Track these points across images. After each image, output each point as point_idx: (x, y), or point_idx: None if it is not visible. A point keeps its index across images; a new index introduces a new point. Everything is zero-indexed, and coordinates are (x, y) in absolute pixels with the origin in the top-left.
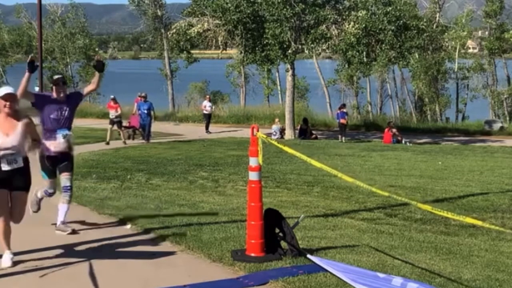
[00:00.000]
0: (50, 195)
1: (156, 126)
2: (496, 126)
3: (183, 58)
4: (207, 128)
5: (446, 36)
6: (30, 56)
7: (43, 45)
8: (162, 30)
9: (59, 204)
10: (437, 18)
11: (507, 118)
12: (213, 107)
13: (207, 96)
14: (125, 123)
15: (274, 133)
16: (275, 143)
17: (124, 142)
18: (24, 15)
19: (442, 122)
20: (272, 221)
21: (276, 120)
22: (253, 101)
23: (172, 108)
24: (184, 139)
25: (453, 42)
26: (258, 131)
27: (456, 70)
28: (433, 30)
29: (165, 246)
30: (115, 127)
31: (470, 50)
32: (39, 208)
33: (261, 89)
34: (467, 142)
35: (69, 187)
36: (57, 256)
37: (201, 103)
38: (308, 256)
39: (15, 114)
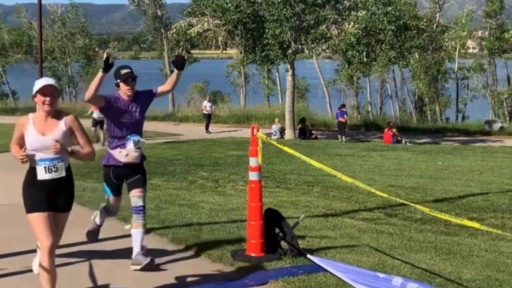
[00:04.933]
0: (111, 215)
1: (156, 126)
2: (496, 126)
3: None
4: (207, 128)
5: (446, 36)
6: (105, 52)
7: (43, 45)
8: (162, 30)
9: (132, 230)
10: (437, 18)
11: (507, 118)
12: (213, 107)
13: (207, 96)
14: None
15: (274, 133)
16: (275, 143)
17: (103, 144)
18: (24, 15)
19: (442, 122)
20: (272, 221)
21: (276, 120)
22: (253, 101)
23: (172, 108)
24: (184, 139)
25: (453, 42)
26: (258, 131)
27: (456, 70)
28: (433, 30)
29: (165, 246)
30: (98, 127)
31: (470, 50)
32: (97, 237)
33: (261, 89)
34: (467, 142)
35: (141, 208)
36: (57, 256)
37: (201, 103)
38: (308, 256)
39: (56, 114)
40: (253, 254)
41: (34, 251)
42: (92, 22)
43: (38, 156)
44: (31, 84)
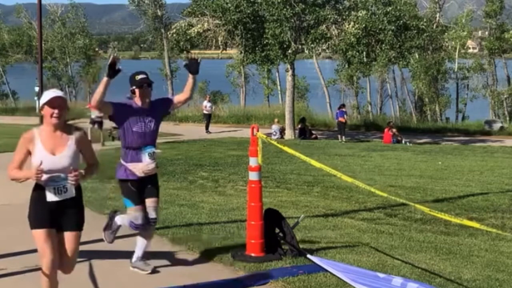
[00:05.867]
0: (138, 227)
1: None
2: (496, 126)
3: (183, 58)
4: (207, 128)
5: (446, 36)
6: (112, 56)
7: (43, 45)
8: (162, 30)
9: (139, 237)
10: (437, 18)
11: (507, 118)
12: (213, 107)
13: (207, 96)
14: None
15: (274, 133)
16: (275, 143)
17: (103, 144)
18: (24, 15)
19: (442, 122)
20: (272, 221)
21: (276, 120)
22: (253, 101)
23: None
24: (184, 139)
25: (453, 42)
26: (258, 131)
27: (456, 70)
28: (433, 30)
29: (165, 246)
30: (96, 127)
31: (470, 50)
32: (114, 238)
33: (261, 89)
34: (467, 142)
35: (155, 220)
36: None
37: (201, 103)
38: (308, 256)
39: (65, 127)
40: (253, 254)
41: (34, 251)
42: (92, 22)
43: (46, 176)
44: (31, 84)
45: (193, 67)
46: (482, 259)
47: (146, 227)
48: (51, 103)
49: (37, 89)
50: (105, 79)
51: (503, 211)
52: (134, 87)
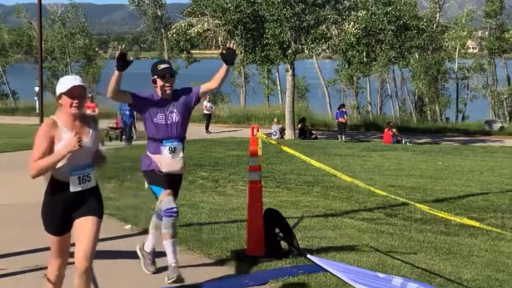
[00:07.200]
0: (174, 214)
1: None
2: (496, 126)
3: (183, 58)
4: (207, 128)
5: (446, 36)
6: (120, 48)
7: (43, 45)
8: (162, 30)
9: (164, 241)
10: (437, 18)
11: (507, 118)
12: (213, 107)
13: (207, 96)
14: (111, 124)
15: (274, 133)
16: (275, 143)
17: (102, 144)
18: (24, 15)
19: (442, 122)
20: (272, 221)
21: (275, 120)
22: (253, 101)
23: None
24: None
25: (453, 42)
26: (258, 131)
27: (456, 70)
28: (433, 30)
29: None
30: None
31: (470, 50)
32: (154, 262)
33: (261, 89)
34: (467, 142)
35: (175, 209)
36: None
37: (201, 103)
38: (308, 256)
39: (83, 117)
40: (253, 254)
41: (34, 251)
42: (92, 22)
43: (70, 165)
44: (31, 84)
45: (229, 57)
46: (482, 259)
47: (165, 221)
48: (71, 92)
49: (37, 89)
50: (116, 72)
51: (503, 211)
52: (155, 76)
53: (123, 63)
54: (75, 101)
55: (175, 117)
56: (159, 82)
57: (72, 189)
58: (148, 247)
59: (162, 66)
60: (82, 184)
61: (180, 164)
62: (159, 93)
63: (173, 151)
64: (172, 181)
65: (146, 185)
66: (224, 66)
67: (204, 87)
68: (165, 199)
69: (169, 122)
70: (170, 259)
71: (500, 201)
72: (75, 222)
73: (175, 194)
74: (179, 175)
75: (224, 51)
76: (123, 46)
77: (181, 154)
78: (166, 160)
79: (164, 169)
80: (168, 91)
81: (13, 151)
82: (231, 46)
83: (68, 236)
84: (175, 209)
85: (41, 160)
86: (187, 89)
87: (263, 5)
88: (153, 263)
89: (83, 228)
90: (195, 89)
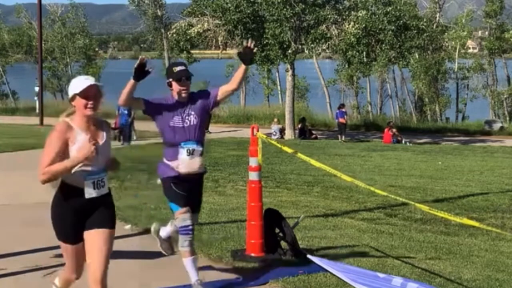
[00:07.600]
0: (190, 232)
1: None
2: (496, 126)
3: (183, 58)
4: (207, 128)
5: (446, 36)
6: (140, 58)
7: (43, 45)
8: (162, 30)
9: (183, 259)
10: (437, 18)
11: (507, 118)
12: None
13: None
14: (110, 124)
15: (274, 133)
16: (275, 143)
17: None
18: (24, 15)
19: (442, 122)
20: (272, 221)
21: (275, 120)
22: (253, 101)
23: None
24: None
25: (453, 42)
26: (258, 131)
27: (456, 70)
28: (433, 30)
29: None
30: None
31: (470, 50)
32: (172, 249)
33: (261, 89)
34: (467, 142)
35: (191, 227)
36: (57, 256)
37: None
38: (308, 256)
39: (97, 121)
40: (253, 254)
41: (34, 251)
42: (92, 22)
43: (85, 170)
44: (31, 84)
45: (247, 56)
46: (482, 259)
47: (181, 238)
48: (86, 93)
49: (37, 89)
50: (131, 81)
51: (503, 211)
52: (171, 79)
53: (141, 73)
54: (90, 102)
55: (192, 119)
56: (175, 86)
57: (87, 195)
58: (163, 233)
59: (178, 68)
60: (97, 190)
61: (198, 163)
62: (175, 96)
63: (191, 153)
64: (193, 183)
65: (159, 181)
66: (242, 66)
67: (223, 90)
68: (180, 216)
69: (186, 124)
70: (193, 278)
71: (500, 201)
72: (86, 232)
73: (198, 199)
74: (198, 174)
75: (241, 50)
76: (143, 56)
77: (199, 158)
78: (184, 160)
79: (183, 169)
80: (184, 95)
81: (13, 151)
82: (249, 44)
83: (81, 249)
84: (190, 227)
85: (54, 165)
86: (204, 92)
87: (263, 5)
88: (171, 246)
89: (95, 243)
90: (213, 92)
